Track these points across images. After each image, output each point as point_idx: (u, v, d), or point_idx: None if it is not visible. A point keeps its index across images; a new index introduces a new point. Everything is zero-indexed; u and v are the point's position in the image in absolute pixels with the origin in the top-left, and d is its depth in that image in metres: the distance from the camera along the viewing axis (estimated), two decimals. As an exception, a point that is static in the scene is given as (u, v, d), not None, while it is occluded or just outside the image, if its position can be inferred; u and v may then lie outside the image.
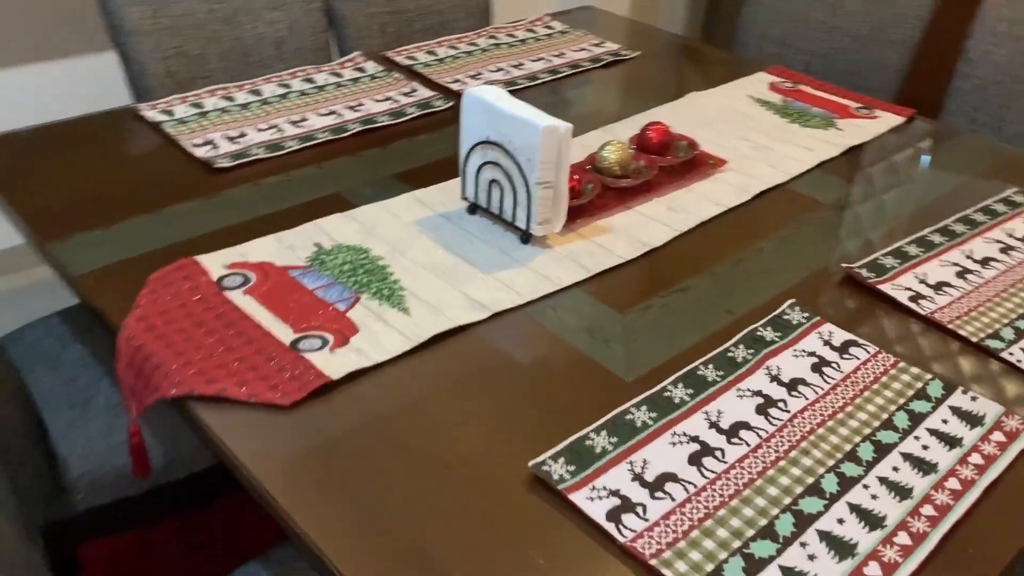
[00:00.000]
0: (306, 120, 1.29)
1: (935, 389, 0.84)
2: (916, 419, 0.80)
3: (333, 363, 0.82)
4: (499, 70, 1.51)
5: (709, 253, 1.05)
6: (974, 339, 0.91)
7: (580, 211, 1.09)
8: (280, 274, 0.95)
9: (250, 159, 1.18)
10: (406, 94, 1.40)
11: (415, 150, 1.25)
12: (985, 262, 1.05)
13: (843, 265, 1.02)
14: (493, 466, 0.74)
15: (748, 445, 0.76)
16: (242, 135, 1.24)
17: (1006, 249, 1.08)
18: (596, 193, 1.11)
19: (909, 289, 0.99)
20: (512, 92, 1.43)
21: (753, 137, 1.32)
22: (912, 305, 0.96)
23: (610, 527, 0.68)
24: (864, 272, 1.01)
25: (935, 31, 1.65)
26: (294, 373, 0.81)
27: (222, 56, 1.51)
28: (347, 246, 1.01)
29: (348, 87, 1.41)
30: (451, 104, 1.38)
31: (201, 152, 1.18)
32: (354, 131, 1.27)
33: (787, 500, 0.71)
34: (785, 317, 0.93)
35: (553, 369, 0.85)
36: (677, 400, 0.81)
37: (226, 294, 0.91)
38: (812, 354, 0.88)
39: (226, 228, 1.04)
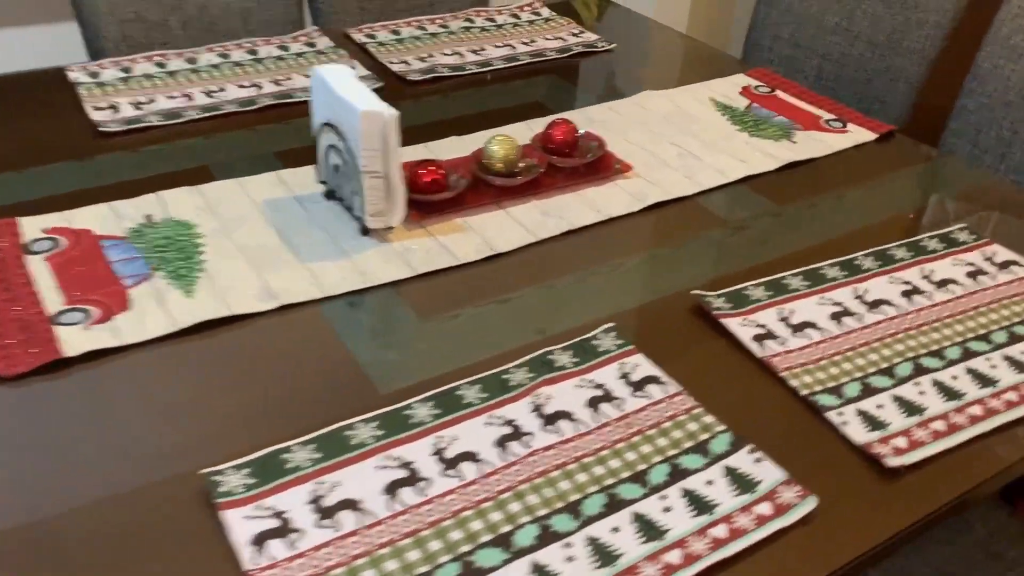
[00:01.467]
0: (223, 91, 1.27)
1: (720, 444, 0.73)
2: (677, 475, 0.70)
3: (77, 339, 0.79)
4: (454, 54, 1.44)
5: (557, 265, 0.96)
6: (803, 392, 0.79)
7: (441, 206, 1.02)
8: (92, 243, 0.93)
9: (142, 126, 1.17)
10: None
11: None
12: (874, 305, 0.91)
13: (693, 292, 0.91)
14: (188, 466, 0.69)
15: (462, 479, 0.68)
16: (151, 101, 1.23)
17: (909, 293, 0.93)
18: (463, 189, 1.04)
19: (762, 327, 0.86)
20: (457, 78, 1.36)
21: (686, 143, 1.20)
22: (752, 345, 0.84)
23: (248, 551, 0.62)
24: (718, 302, 0.89)
25: (955, 42, 1.46)
26: (34, 345, 0.79)
27: (185, 24, 1.51)
28: (176, 221, 0.97)
29: (288, 61, 1.38)
30: (377, 86, 1.33)
31: (97, 116, 1.18)
32: (262, 104, 1.24)
33: (464, 549, 0.63)
34: (594, 343, 0.83)
35: (316, 371, 0.79)
36: (415, 420, 0.73)
37: (26, 258, 0.89)
38: (599, 386, 0.78)
39: (78, 192, 1.03)
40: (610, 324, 0.85)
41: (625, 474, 0.69)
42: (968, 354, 0.85)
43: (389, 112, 0.89)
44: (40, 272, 0.88)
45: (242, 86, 1.29)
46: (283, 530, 0.63)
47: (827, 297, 0.91)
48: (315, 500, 0.66)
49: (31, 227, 0.94)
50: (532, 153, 1.11)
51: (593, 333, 0.84)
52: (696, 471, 0.70)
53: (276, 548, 0.62)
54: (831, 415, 0.76)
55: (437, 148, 1.16)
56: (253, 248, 0.94)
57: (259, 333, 0.83)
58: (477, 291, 0.91)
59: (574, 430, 0.73)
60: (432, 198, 1.01)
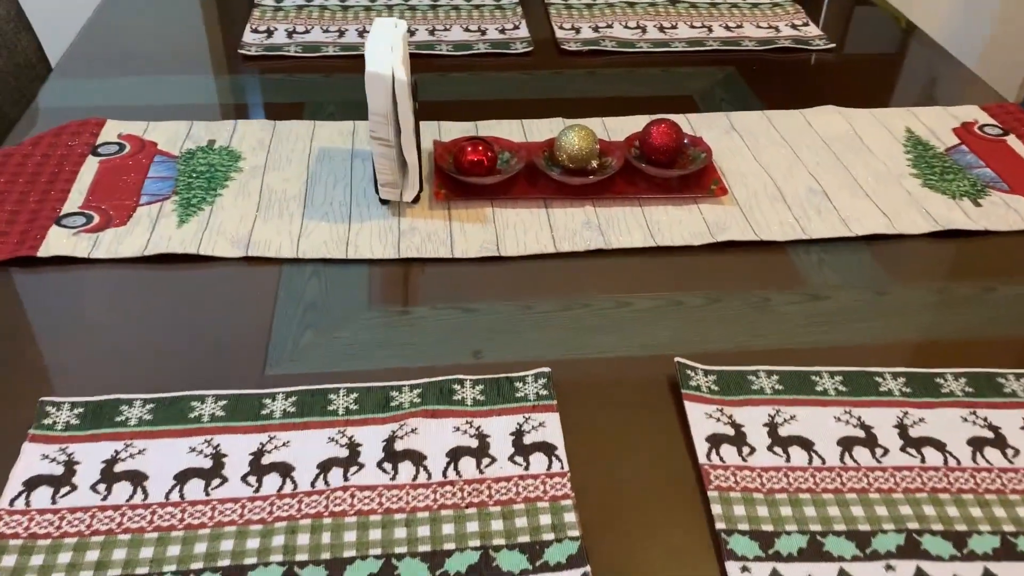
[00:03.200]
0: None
1: (557, 552, 0.58)
2: (481, 568, 0.57)
3: (59, 242, 0.83)
4: (637, 28, 1.29)
5: (551, 285, 0.82)
6: (719, 524, 0.60)
7: (477, 191, 0.92)
8: (148, 155, 0.97)
9: (279, 55, 1.20)
10: (501, 30, 1.28)
11: (452, 85, 1.15)
12: (917, 443, 0.66)
13: (678, 359, 0.72)
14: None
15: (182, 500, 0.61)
16: (307, 31, 1.26)
17: (983, 443, 0.66)
18: (511, 176, 0.93)
19: (733, 426, 0.67)
20: (618, 55, 1.23)
21: (827, 179, 0.97)
22: (701, 444, 0.65)
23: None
24: (698, 378, 0.71)
25: None
26: (26, 239, 0.84)
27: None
28: (230, 151, 0.99)
29: (464, 10, 1.33)
30: (528, 50, 1.23)
31: (249, 37, 1.23)
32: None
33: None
34: (515, 384, 0.70)
35: (224, 329, 0.76)
36: (194, 414, 0.67)
37: (88, 158, 0.96)
38: (477, 434, 0.65)
39: (188, 106, 1.08)
40: (546, 369, 0.71)
41: (402, 548, 0.58)
42: (1004, 550, 0.59)
43: (399, 76, 0.81)
44: (87, 173, 0.94)
45: (398, 30, 1.27)
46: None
47: (855, 413, 0.69)
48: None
49: (111, 129, 1.01)
50: (615, 151, 0.96)
51: (524, 374, 0.71)
52: (506, 573, 0.57)
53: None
54: (732, 567, 0.57)
55: (536, 128, 1.05)
56: (274, 192, 0.92)
57: (210, 277, 0.82)
58: (446, 292, 0.81)
59: (384, 478, 0.63)
60: (469, 180, 0.92)
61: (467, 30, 1.28)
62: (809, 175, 0.98)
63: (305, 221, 0.88)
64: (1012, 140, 1.05)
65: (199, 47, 1.23)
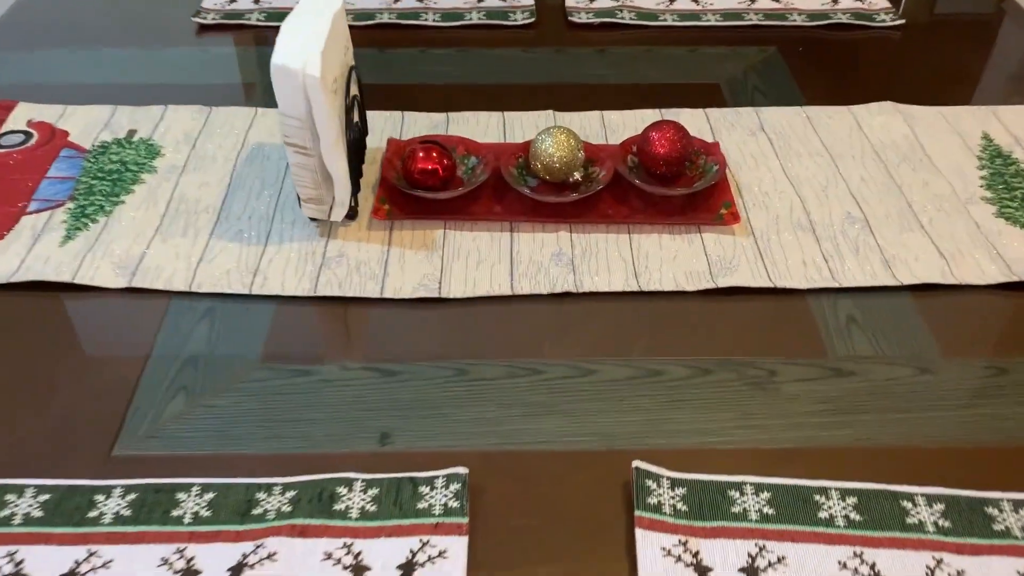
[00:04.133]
0: (358, -3, 1.08)
1: None
2: None
3: (-87, 261, 0.70)
4: (664, -4, 1.09)
5: (503, 341, 0.65)
6: None
7: (427, 208, 0.75)
8: (54, 150, 0.82)
9: (238, 23, 1.03)
10: (493, -3, 1.09)
11: (432, 64, 0.97)
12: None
13: (637, 464, 0.55)
14: None
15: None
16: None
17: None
18: (468, 190, 0.75)
19: (698, 567, 0.50)
20: (637, 29, 1.03)
21: (873, 201, 0.77)
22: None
23: None
24: (660, 493, 0.53)
25: None
26: None
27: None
28: (149, 144, 0.83)
29: (464, -28, 1.14)
30: (529, 21, 1.04)
31: (208, 2, 1.07)
32: (379, 19, 1.03)
33: None
34: (420, 489, 0.54)
35: (62, 385, 0.61)
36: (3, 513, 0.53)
37: (-15, 149, 0.82)
38: (354, 564, 0.50)
39: (120, 85, 0.93)
40: (462, 470, 0.55)
41: None
42: None
43: (310, 71, 0.64)
44: (-22, 169, 0.80)
45: (383, -6, 1.09)
46: None
47: (869, 558, 0.51)
48: None
49: (20, 115, 0.87)
50: (606, 160, 0.78)
51: (434, 474, 0.55)
52: None
53: None
54: None
55: (520, 123, 0.87)
56: (185, 200, 0.76)
57: (78, 313, 0.67)
58: (364, 345, 0.65)
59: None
60: (417, 194, 0.75)
61: (463, -5, 1.09)
62: (850, 196, 0.78)
63: (212, 241, 0.72)
64: (1122, 154, 0.83)
65: (151, 15, 1.07)
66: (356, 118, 0.77)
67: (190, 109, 0.88)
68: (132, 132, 0.85)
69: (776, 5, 1.07)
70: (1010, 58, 1.01)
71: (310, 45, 0.65)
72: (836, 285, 0.69)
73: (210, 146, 0.83)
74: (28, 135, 0.84)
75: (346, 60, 0.73)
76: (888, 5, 1.07)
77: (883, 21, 1.04)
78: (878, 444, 0.58)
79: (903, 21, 1.04)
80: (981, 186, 0.79)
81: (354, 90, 0.75)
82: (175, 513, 0.53)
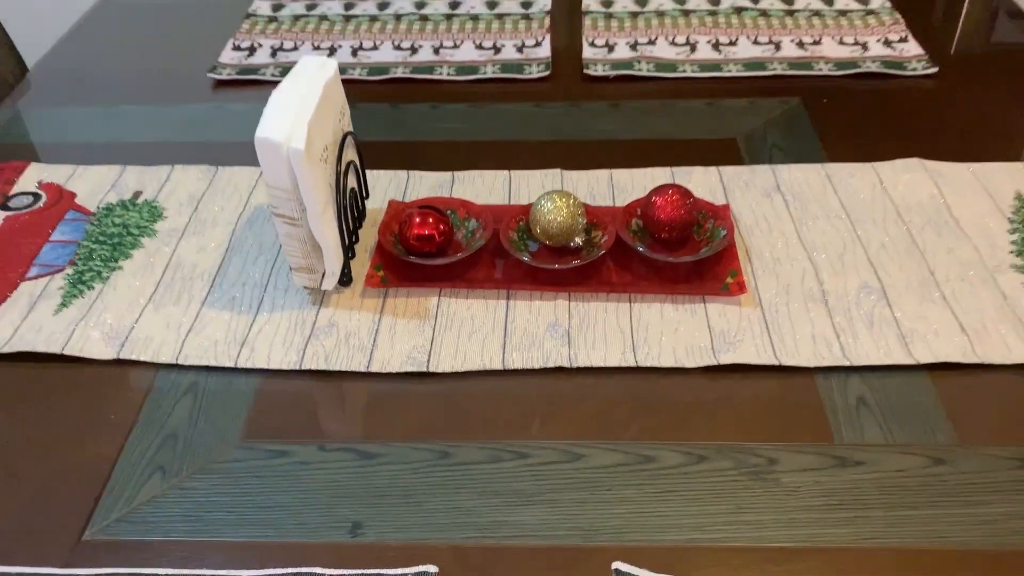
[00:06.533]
0: (376, 49, 1.08)
1: None
2: None
3: (-91, 329, 0.70)
4: (685, 44, 1.06)
5: (490, 420, 0.62)
6: None
7: (430, 274, 0.73)
8: (61, 211, 0.83)
9: (254, 79, 1.03)
10: (519, 47, 1.07)
11: (443, 120, 0.96)
12: None
13: (617, 567, 0.51)
14: None
15: None
16: (295, 48, 1.09)
17: None
18: (465, 256, 0.73)
19: None
20: (653, 81, 1.00)
21: (896, 271, 0.72)
22: None
23: None
24: (642, 603, 0.50)
25: None
26: None
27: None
28: (153, 206, 0.83)
29: (484, 20, 1.13)
30: (544, 74, 1.02)
31: (226, 57, 1.07)
32: (393, 74, 1.02)
33: None
34: (386, 590, 0.51)
35: (42, 461, 0.60)
36: None
37: (-6, 211, 0.83)
38: None
39: (132, 144, 0.94)
40: (432, 568, 0.52)
41: None
42: None
43: (293, 146, 0.62)
44: (-15, 232, 0.81)
45: (400, 47, 1.08)
46: None
47: None
48: None
49: (32, 175, 0.87)
50: (609, 224, 0.75)
51: (403, 571, 0.52)
52: None
53: None
54: None
55: (527, 182, 0.85)
56: (182, 265, 0.76)
57: (64, 384, 0.66)
58: (346, 423, 0.63)
59: None
60: (412, 260, 0.73)
61: (479, 47, 1.08)
62: (868, 263, 0.74)
63: (204, 310, 0.71)
64: None
65: (169, 71, 1.08)
66: (353, 184, 0.75)
67: (197, 169, 0.88)
68: (138, 194, 0.85)
69: (802, 53, 1.03)
70: (1051, 108, 0.96)
71: (297, 116, 0.64)
72: (847, 363, 0.65)
73: (214, 208, 0.82)
74: (37, 197, 0.85)
75: (340, 127, 0.72)
76: (921, 52, 1.03)
77: (915, 69, 1.00)
78: (883, 545, 0.54)
79: (936, 69, 1.00)
80: (1012, 252, 0.74)
81: (351, 156, 0.74)
82: (134, 608, 0.51)
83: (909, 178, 0.83)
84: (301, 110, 0.65)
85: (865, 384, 0.64)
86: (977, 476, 0.58)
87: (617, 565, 0.52)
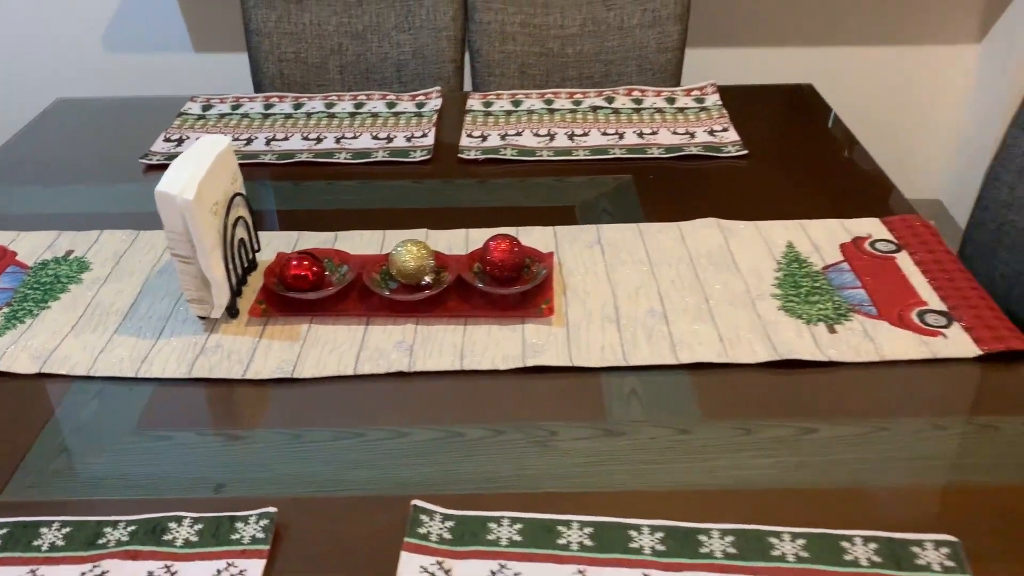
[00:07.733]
0: (287, 140, 1.27)
1: None
2: None
3: None
4: (547, 135, 1.27)
5: (339, 412, 0.78)
6: None
7: (305, 307, 0.90)
8: (4, 265, 0.99)
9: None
10: (408, 138, 1.28)
11: (336, 194, 1.15)
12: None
13: (415, 501, 0.67)
14: None
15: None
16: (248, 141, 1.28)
17: None
18: (333, 291, 0.90)
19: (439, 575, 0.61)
20: (518, 163, 1.20)
21: (674, 300, 0.90)
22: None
23: None
24: (429, 523, 0.65)
25: None
26: None
27: (342, 69, 1.55)
28: (80, 261, 1.00)
29: (382, 117, 1.34)
30: (425, 158, 1.22)
31: (158, 147, 1.26)
32: (299, 159, 1.22)
33: None
34: (236, 523, 0.66)
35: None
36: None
37: (-54, 267, 0.99)
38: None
39: (70, 215, 1.11)
40: (271, 509, 0.67)
41: None
42: None
43: (183, 198, 0.80)
44: (-65, 283, 0.97)
45: (307, 138, 1.28)
46: None
47: (583, 570, 0.62)
48: None
49: (-20, 240, 1.05)
50: (453, 267, 0.93)
51: (248, 513, 0.67)
52: None
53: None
54: None
55: (396, 239, 1.03)
56: (100, 305, 0.92)
57: (6, 389, 0.82)
58: (220, 416, 0.78)
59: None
60: (289, 295, 0.90)
61: (375, 137, 1.28)
62: (658, 295, 0.92)
63: (115, 336, 0.87)
64: (903, 257, 0.97)
65: (108, 158, 1.26)
66: (243, 235, 0.93)
67: (123, 232, 1.05)
68: (69, 252, 1.02)
69: (640, 141, 1.25)
70: (837, 177, 1.16)
71: (191, 175, 0.82)
72: (625, 364, 0.82)
73: (132, 262, 0.99)
74: (-17, 256, 1.01)
75: (232, 188, 0.90)
76: (737, 139, 1.25)
77: (729, 152, 1.21)
78: (632, 489, 0.70)
79: (747, 152, 1.21)
80: (774, 284, 0.93)
81: (240, 212, 0.92)
82: (35, 543, 0.65)
83: (704, 232, 1.02)
84: (195, 171, 0.83)
85: (638, 379, 0.81)
86: (710, 441, 0.74)
87: (415, 502, 0.67)
